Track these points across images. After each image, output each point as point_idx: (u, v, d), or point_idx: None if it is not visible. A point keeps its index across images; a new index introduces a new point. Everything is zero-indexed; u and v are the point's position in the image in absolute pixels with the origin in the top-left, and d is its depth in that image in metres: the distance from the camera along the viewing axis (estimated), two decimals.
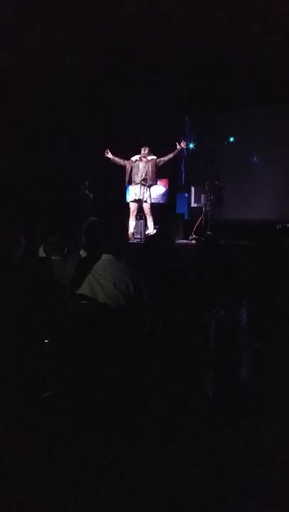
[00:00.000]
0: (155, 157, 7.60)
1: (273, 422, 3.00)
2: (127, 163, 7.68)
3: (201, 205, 8.48)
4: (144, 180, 7.54)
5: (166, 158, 7.58)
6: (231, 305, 3.73)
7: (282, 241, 7.68)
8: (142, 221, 8.24)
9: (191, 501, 2.22)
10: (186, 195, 9.36)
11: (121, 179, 7.94)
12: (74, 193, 9.00)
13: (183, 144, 7.49)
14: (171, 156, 7.56)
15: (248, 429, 2.91)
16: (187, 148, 7.53)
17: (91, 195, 9.06)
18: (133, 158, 7.67)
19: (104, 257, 2.92)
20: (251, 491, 2.33)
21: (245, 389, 3.47)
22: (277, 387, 3.50)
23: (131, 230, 7.64)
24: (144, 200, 7.62)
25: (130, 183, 7.68)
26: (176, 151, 7.52)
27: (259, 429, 2.92)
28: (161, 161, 7.58)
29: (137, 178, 7.56)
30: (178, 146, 7.48)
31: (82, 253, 3.58)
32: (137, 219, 8.01)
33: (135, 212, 7.78)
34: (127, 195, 8.02)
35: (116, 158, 7.77)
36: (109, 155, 7.78)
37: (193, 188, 8.79)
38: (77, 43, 7.36)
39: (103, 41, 7.34)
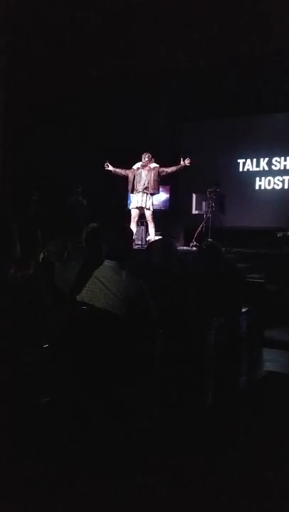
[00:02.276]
0: (158, 165, 7.55)
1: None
2: (129, 172, 7.61)
3: (202, 212, 8.48)
4: (146, 188, 7.48)
5: (168, 170, 7.53)
6: (231, 312, 3.72)
7: (282, 249, 7.68)
8: (143, 227, 8.24)
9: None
10: None
11: (122, 185, 7.93)
12: (67, 199, 8.97)
13: (187, 161, 7.44)
14: (174, 169, 7.52)
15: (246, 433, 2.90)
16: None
17: (85, 202, 9.02)
18: (135, 167, 7.60)
19: (107, 263, 2.90)
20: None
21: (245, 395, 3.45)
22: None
23: None
24: (147, 207, 7.57)
25: (133, 191, 7.62)
26: (179, 166, 7.47)
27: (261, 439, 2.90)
28: (163, 171, 7.53)
29: (139, 187, 7.49)
30: (182, 162, 7.45)
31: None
32: (138, 225, 8.00)
33: (136, 219, 7.76)
34: (129, 202, 8.01)
35: (117, 170, 7.70)
36: (110, 167, 7.71)
37: (194, 195, 8.79)
38: (77, 49, 7.41)
39: (104, 47, 7.38)
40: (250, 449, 2.76)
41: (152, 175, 7.45)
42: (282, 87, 8.03)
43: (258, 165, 9.46)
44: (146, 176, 7.46)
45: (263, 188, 9.39)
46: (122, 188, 7.98)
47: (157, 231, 7.71)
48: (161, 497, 2.22)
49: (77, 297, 2.90)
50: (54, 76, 8.23)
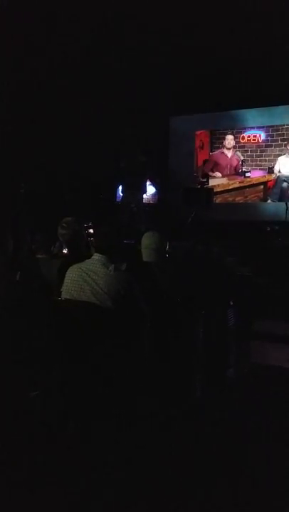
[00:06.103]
0: (145, 159, 7.56)
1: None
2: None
3: (190, 206, 8.47)
4: (136, 185, 7.51)
5: None
6: (219, 305, 3.74)
7: (271, 243, 7.71)
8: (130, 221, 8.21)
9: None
10: None
11: (111, 179, 7.90)
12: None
13: None
14: None
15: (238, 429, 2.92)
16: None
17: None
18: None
19: (96, 256, 2.88)
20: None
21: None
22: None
23: None
24: (137, 202, 7.60)
25: (122, 187, 7.61)
26: None
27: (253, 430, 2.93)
28: None
29: (130, 184, 7.51)
30: None
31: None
32: (126, 219, 7.98)
33: (125, 212, 7.76)
34: (118, 196, 7.99)
35: None
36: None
37: (183, 189, 8.79)
38: (76, 41, 7.35)
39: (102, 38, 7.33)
40: (239, 440, 2.79)
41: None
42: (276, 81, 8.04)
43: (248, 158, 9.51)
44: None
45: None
46: (112, 181, 7.95)
47: (146, 225, 7.69)
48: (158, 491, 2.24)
49: (64, 292, 2.88)
50: (44, 67, 8.16)
